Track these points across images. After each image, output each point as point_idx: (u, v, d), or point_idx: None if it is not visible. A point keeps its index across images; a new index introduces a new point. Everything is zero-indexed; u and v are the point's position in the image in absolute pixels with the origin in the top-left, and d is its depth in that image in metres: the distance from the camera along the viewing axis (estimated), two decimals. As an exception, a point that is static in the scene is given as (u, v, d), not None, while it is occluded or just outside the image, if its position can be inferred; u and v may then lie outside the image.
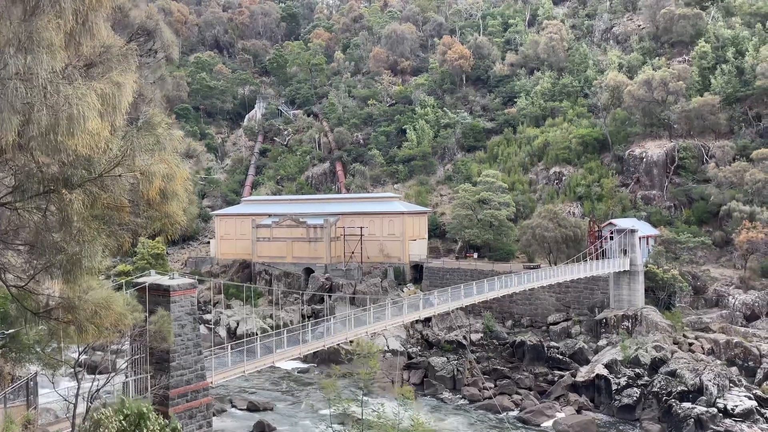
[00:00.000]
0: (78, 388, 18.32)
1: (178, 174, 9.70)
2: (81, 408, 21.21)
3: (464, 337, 71.88)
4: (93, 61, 10.17)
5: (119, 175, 9.38)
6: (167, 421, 13.81)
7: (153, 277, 24.79)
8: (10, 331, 19.99)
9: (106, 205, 9.57)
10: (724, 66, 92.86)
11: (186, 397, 23.54)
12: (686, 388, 51.71)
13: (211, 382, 25.69)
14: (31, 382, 18.80)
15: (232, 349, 28.54)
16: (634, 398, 53.18)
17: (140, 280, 24.07)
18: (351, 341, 40.67)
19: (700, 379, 51.73)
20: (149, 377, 22.97)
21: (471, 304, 55.32)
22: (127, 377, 23.03)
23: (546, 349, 64.86)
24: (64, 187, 8.67)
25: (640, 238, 70.23)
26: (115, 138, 9.65)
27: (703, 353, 59.09)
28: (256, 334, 72.20)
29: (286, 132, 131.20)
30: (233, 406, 55.52)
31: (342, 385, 64.73)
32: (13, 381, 27.50)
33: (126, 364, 22.83)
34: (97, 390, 18.22)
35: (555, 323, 71.14)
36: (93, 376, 22.58)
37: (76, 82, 8.23)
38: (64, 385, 28.23)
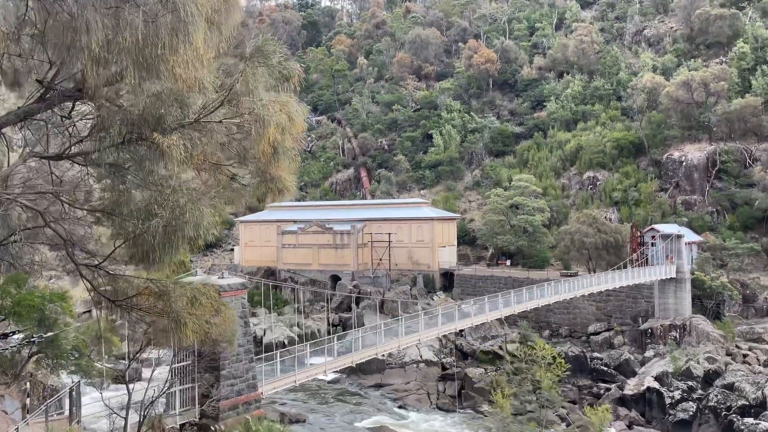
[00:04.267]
0: (129, 400, 16.02)
1: (296, 123, 7.35)
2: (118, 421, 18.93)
3: (500, 348, 68.90)
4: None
5: (220, 121, 7.04)
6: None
7: (200, 277, 22.52)
8: (49, 334, 17.71)
9: (200, 162, 7.24)
10: (764, 67, 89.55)
11: (237, 410, 21.20)
12: (747, 402, 48.41)
13: (262, 393, 23.33)
14: (74, 393, 16.61)
15: (280, 357, 26.11)
16: (690, 413, 49.91)
17: (186, 279, 21.79)
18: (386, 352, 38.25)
19: (762, 393, 48.38)
20: (197, 387, 20.63)
21: (511, 313, 52.54)
22: (172, 387, 20.72)
23: (589, 360, 61.75)
24: (154, 131, 6.41)
25: (684, 244, 67.00)
26: (210, 73, 7.29)
27: (759, 365, 55.70)
28: (284, 344, 69.21)
29: (309, 138, 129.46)
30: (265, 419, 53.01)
31: (374, 395, 62.27)
32: (44, 391, 25.17)
33: (172, 373, 20.52)
34: (152, 401, 15.94)
35: (596, 333, 67.97)
36: (129, 385, 20.22)
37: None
38: (93, 395, 25.91)
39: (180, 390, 20.87)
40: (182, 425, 19.79)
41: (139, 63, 5.79)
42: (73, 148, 7.28)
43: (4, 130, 8.16)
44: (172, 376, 20.37)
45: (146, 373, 31.93)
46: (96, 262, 7.44)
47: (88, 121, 8.16)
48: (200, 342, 8.35)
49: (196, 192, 6.71)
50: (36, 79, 8.04)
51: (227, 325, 8.89)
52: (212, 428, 14.13)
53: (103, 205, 7.01)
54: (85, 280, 7.58)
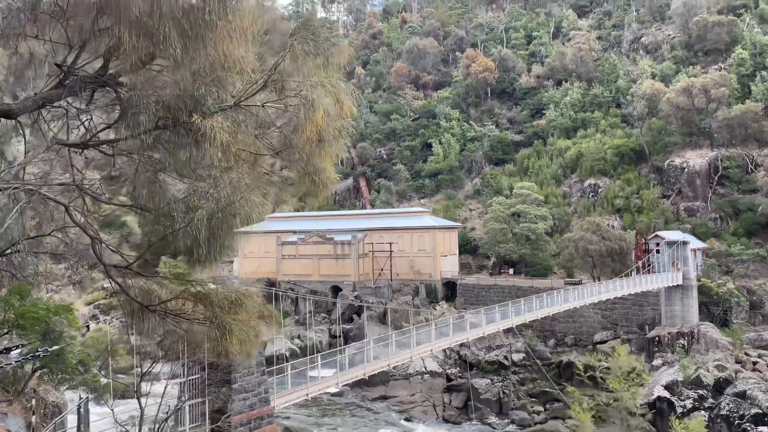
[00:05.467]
0: (141, 416, 15.12)
1: (345, 107, 6.64)
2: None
3: (505, 357, 67.97)
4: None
5: (263, 105, 6.31)
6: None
7: (210, 287, 21.58)
8: (54, 348, 16.80)
9: (240, 150, 6.49)
10: (764, 72, 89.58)
11: (249, 425, 20.26)
12: (761, 411, 47.61)
13: (274, 408, 22.38)
14: (81, 410, 15.70)
15: (291, 369, 25.19)
16: (703, 422, 48.93)
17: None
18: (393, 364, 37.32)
19: (775, 401, 47.56)
20: (207, 402, 19.68)
21: (522, 322, 51.66)
22: (181, 402, 19.77)
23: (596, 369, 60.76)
24: (193, 112, 5.66)
25: (690, 251, 66.36)
26: (253, 49, 6.55)
27: (770, 372, 54.92)
28: (286, 356, 68.05)
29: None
30: (268, 433, 51.83)
31: (380, 408, 61.15)
32: (46, 408, 24.15)
33: (182, 387, 19.57)
34: (167, 418, 15.04)
35: (602, 342, 67.09)
36: (135, 400, 19.29)
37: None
38: (95, 411, 24.90)
39: (189, 405, 19.94)
40: (192, 442, 18.89)
41: (183, 30, 5.07)
42: (98, 135, 6.56)
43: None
44: (183, 390, 19.40)
45: (145, 388, 30.79)
46: (125, 264, 6.68)
47: (109, 108, 7.42)
48: (245, 353, 7.59)
49: (243, 181, 5.99)
50: (55, 63, 7.30)
51: (272, 332, 8.10)
52: None
53: (135, 199, 6.29)
54: (113, 283, 6.81)
